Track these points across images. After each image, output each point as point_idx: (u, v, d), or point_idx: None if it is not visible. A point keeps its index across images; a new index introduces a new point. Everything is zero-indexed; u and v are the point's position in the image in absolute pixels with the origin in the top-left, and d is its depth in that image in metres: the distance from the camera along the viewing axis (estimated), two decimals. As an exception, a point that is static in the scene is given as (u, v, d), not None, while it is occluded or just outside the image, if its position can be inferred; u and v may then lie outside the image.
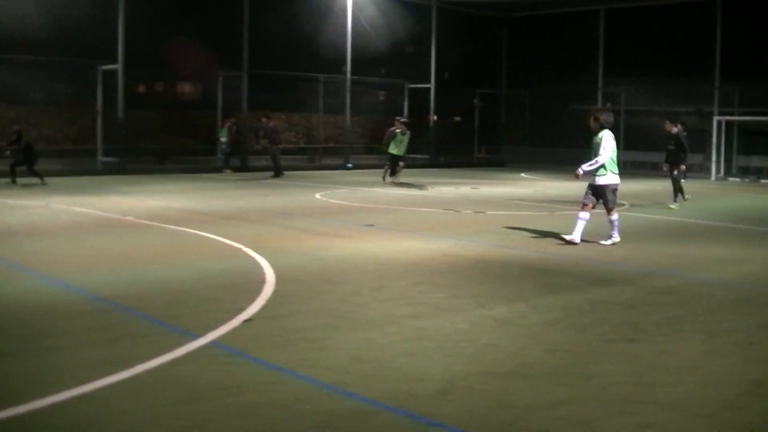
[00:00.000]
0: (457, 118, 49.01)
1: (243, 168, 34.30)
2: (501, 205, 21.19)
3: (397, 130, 28.14)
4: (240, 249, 13.01)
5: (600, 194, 14.10)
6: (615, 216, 14.19)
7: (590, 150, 14.09)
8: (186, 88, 47.01)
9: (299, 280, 10.62)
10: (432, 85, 43.65)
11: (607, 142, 13.89)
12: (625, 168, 37.76)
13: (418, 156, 40.81)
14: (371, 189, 26.14)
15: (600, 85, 42.71)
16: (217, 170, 33.51)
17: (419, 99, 44.32)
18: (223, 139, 34.30)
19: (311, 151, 42.28)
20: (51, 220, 16.85)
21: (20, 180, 25.17)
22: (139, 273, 11.03)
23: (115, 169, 32.28)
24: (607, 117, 14.21)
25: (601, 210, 14.25)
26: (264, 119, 32.05)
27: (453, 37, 44.27)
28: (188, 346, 7.36)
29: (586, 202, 14.09)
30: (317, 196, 23.04)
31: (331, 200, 21.79)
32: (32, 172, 25.64)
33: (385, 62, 45.17)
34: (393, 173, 28.60)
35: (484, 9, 45.58)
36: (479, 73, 47.84)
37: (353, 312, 8.83)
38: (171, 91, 45.20)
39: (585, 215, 14.01)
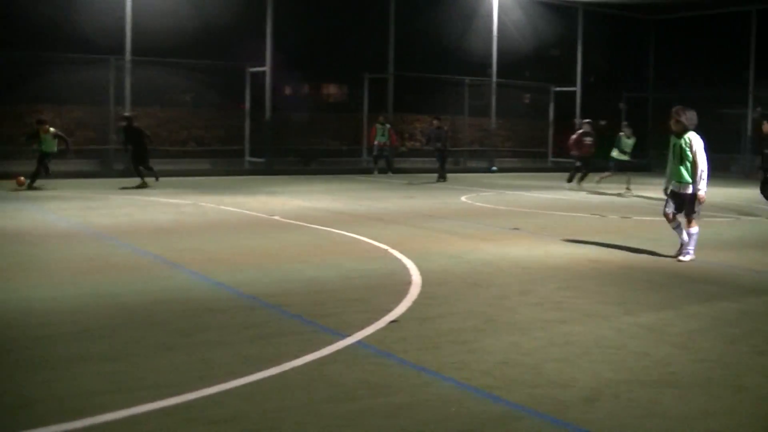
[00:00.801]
0: (603, 122, 48.34)
1: (390, 170, 34.45)
2: (647, 210, 20.81)
3: (621, 134, 27.55)
4: (386, 250, 13.10)
5: (684, 203, 12.84)
6: (695, 229, 12.78)
7: (673, 154, 12.90)
8: (331, 89, 47.46)
9: (445, 282, 10.64)
10: (578, 89, 43.29)
11: (699, 145, 12.64)
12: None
13: (561, 160, 40.48)
14: (516, 192, 26.04)
15: (751, 88, 41.68)
16: (384, 171, 33.48)
17: (564, 102, 43.99)
18: (378, 142, 34.18)
19: (456, 153, 42.27)
20: (200, 219, 17.25)
21: (129, 181, 25.54)
22: (286, 272, 11.20)
23: (262, 169, 32.89)
24: (690, 117, 12.70)
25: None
26: (435, 122, 31.44)
27: (599, 39, 43.80)
28: (335, 345, 7.45)
29: (668, 211, 13.04)
30: (462, 198, 23.05)
31: (476, 203, 21.76)
32: (136, 168, 25.03)
33: (530, 65, 44.88)
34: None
35: (631, 11, 44.91)
36: (626, 75, 47.13)
37: (500, 315, 8.81)
38: (317, 93, 45.68)
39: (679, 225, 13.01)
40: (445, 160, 31.15)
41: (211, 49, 34.06)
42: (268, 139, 33.89)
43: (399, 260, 12.21)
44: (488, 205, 21.16)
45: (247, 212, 18.28)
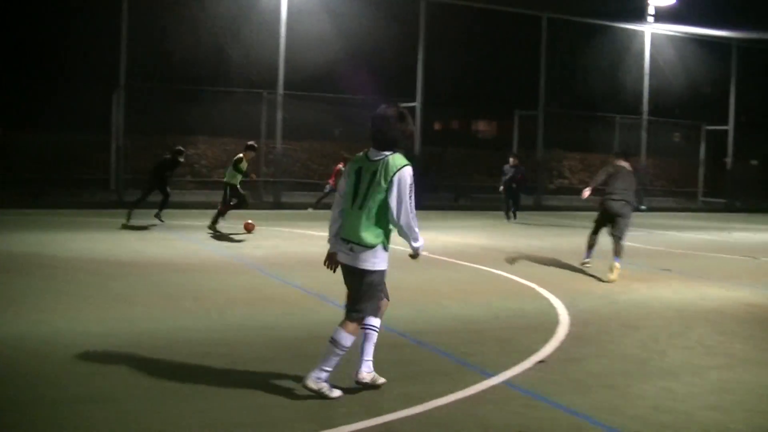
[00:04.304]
0: (754, 162, 47.25)
1: (538, 207, 34.19)
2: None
3: None
4: (533, 288, 12.99)
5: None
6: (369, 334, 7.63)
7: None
8: (481, 126, 47.56)
9: (594, 323, 10.48)
10: (730, 127, 42.46)
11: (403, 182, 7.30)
12: None
13: (713, 200, 39.84)
14: (667, 232, 25.57)
15: None
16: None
17: (715, 141, 43.28)
18: None
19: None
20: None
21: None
22: (435, 309, 11.18)
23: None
24: (400, 128, 7.12)
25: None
26: (512, 159, 30.20)
27: (753, 76, 42.90)
28: (482, 384, 7.39)
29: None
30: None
31: (626, 243, 21.36)
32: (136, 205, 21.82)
33: (681, 103, 44.25)
34: None
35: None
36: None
37: (651, 359, 8.62)
38: (466, 129, 45.80)
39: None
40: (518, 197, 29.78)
41: (359, 83, 34.55)
42: (421, 173, 34.06)
43: (546, 299, 12.09)
44: (638, 245, 20.77)
45: (397, 247, 18.30)
